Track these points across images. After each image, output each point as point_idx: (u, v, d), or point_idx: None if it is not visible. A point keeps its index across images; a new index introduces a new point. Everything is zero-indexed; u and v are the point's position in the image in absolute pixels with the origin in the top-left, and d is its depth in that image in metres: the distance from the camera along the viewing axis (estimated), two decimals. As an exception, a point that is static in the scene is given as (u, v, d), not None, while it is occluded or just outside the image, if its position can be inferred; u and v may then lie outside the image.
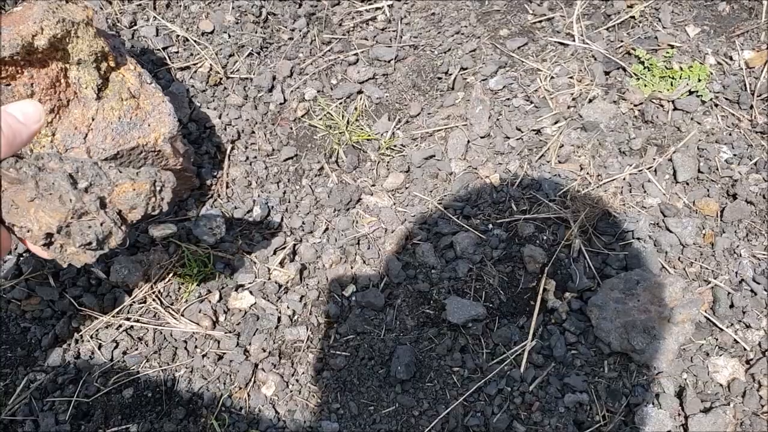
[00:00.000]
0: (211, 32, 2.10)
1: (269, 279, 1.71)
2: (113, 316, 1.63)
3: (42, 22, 1.52)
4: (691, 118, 1.96)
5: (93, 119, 1.62)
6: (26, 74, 1.54)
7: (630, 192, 1.84)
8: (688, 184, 1.85)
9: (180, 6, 2.14)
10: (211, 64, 2.02)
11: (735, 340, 1.61)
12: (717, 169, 1.86)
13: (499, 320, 1.65)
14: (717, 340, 1.62)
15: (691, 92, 1.99)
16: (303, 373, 1.59)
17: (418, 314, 1.66)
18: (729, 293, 1.66)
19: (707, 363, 1.59)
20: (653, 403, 1.54)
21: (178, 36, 2.07)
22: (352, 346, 1.62)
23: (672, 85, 2.01)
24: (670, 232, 1.76)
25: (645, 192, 1.84)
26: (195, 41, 2.06)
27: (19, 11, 1.62)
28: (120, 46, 1.72)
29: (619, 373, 1.58)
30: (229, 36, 2.09)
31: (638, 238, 1.76)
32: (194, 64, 2.03)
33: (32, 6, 1.58)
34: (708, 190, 1.83)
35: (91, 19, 1.63)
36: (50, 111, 1.58)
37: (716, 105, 1.98)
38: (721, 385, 1.56)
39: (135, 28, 2.08)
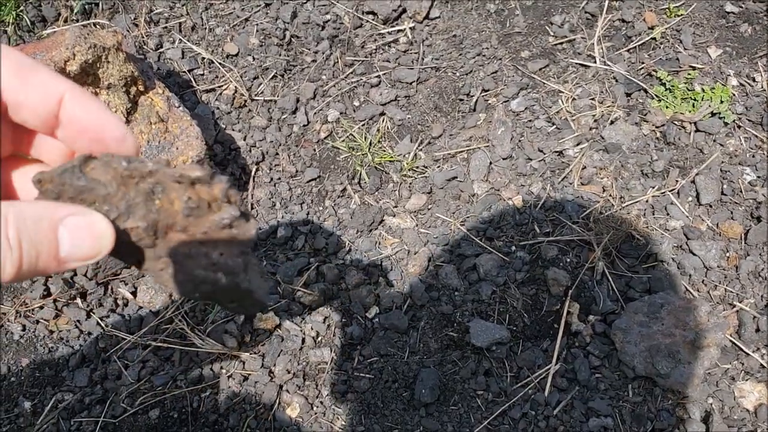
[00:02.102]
0: (236, 55, 2.13)
1: (293, 300, 1.72)
2: (140, 337, 1.65)
3: (74, 48, 1.56)
4: (714, 140, 1.96)
5: (122, 142, 1.64)
6: (58, 99, 1.57)
7: (653, 214, 1.83)
8: (711, 206, 1.85)
9: (205, 29, 2.18)
10: (236, 87, 2.05)
11: (761, 365, 1.60)
12: (740, 192, 1.85)
13: (522, 343, 1.65)
14: (743, 364, 1.61)
15: (713, 114, 1.99)
16: (327, 395, 1.59)
17: (441, 337, 1.67)
18: (755, 317, 1.65)
19: (733, 388, 1.58)
20: (679, 429, 1.53)
21: (203, 58, 2.11)
22: (375, 369, 1.62)
23: (694, 106, 2.01)
24: (694, 254, 1.76)
25: (668, 214, 1.83)
26: (220, 64, 2.10)
27: (51, 38, 1.66)
28: (148, 70, 1.75)
29: (643, 397, 1.58)
30: (254, 58, 2.12)
31: (662, 261, 1.76)
32: (219, 87, 2.06)
33: (64, 32, 1.62)
34: (732, 213, 1.83)
35: (121, 44, 1.66)
36: (81, 134, 1.61)
37: (739, 126, 1.98)
38: (747, 410, 1.55)
39: (161, 50, 2.11)
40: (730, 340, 1.64)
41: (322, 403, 1.59)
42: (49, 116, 0.50)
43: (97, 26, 2.15)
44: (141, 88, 1.69)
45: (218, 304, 0.60)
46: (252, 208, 1.88)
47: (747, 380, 1.59)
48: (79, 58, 1.55)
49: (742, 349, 1.62)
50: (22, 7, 2.14)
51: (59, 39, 1.60)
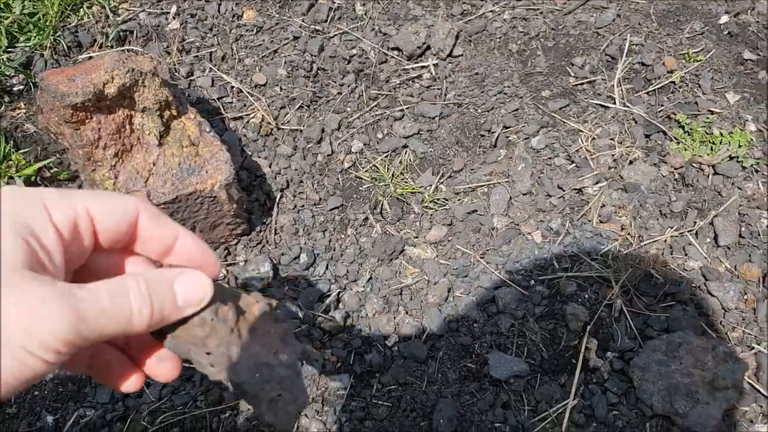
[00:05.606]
0: (264, 85, 2.18)
1: (314, 325, 1.74)
2: (161, 356, 1.66)
3: (113, 72, 1.61)
4: (732, 183, 1.99)
5: (154, 164, 1.69)
6: (94, 120, 1.62)
7: (671, 254, 1.85)
8: (729, 248, 1.87)
9: (235, 59, 2.24)
10: (263, 115, 2.10)
11: (779, 407, 1.60)
12: (759, 235, 1.87)
13: (540, 377, 1.66)
14: (761, 407, 1.61)
15: (731, 158, 2.02)
16: (345, 421, 1.60)
17: (459, 367, 1.68)
18: (772, 360, 1.66)
19: (752, 431, 1.58)
20: (696, 469, 1.52)
21: (232, 87, 2.16)
22: (394, 397, 1.63)
23: (712, 150, 2.04)
24: (712, 295, 1.77)
25: (686, 255, 1.85)
26: (248, 93, 2.15)
27: (91, 61, 1.71)
28: (181, 96, 1.80)
29: (661, 436, 1.58)
30: (281, 89, 2.18)
31: (679, 301, 1.77)
32: (247, 115, 2.11)
33: (104, 56, 1.67)
34: (750, 255, 1.84)
35: (157, 69, 1.71)
36: (114, 155, 1.65)
37: (757, 171, 2.01)
38: (765, 453, 1.55)
39: (192, 78, 2.17)
40: (749, 383, 1.64)
41: (340, 429, 1.59)
42: (168, 248, 0.67)
43: (131, 53, 2.22)
44: (174, 112, 1.74)
45: (258, 402, 0.68)
46: (275, 234, 1.91)
47: (766, 423, 1.59)
48: (118, 81, 1.60)
49: (760, 392, 1.63)
50: (59, 33, 2.21)
51: (98, 62, 1.65)
